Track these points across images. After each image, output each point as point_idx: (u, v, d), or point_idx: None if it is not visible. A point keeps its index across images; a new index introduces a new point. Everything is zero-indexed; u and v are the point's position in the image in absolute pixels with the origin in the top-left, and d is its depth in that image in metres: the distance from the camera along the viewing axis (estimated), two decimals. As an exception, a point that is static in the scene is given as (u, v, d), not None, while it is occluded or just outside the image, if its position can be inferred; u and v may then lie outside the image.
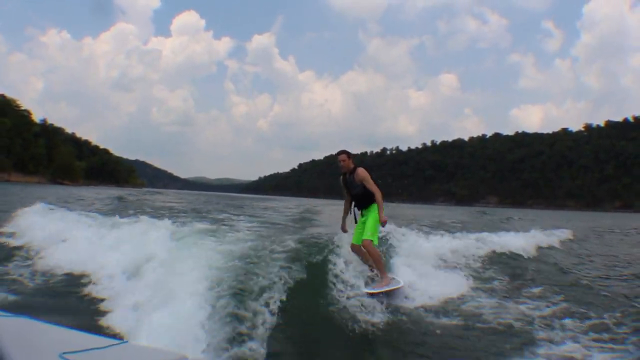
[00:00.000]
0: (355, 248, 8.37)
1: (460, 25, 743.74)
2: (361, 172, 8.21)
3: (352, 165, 8.35)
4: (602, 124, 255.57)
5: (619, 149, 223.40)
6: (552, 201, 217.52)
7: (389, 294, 7.80)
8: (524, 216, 37.31)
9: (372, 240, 8.04)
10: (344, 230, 8.87)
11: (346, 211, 8.83)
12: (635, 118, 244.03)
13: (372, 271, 8.25)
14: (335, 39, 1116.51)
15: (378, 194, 8.12)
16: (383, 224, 8.13)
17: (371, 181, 8.17)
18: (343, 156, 8.30)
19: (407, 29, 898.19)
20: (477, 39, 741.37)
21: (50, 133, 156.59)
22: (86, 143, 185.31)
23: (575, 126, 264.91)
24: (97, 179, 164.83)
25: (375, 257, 8.11)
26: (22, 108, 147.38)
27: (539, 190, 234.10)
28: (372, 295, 7.60)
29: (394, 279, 8.21)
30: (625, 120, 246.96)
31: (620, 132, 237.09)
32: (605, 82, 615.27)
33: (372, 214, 8.13)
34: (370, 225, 8.09)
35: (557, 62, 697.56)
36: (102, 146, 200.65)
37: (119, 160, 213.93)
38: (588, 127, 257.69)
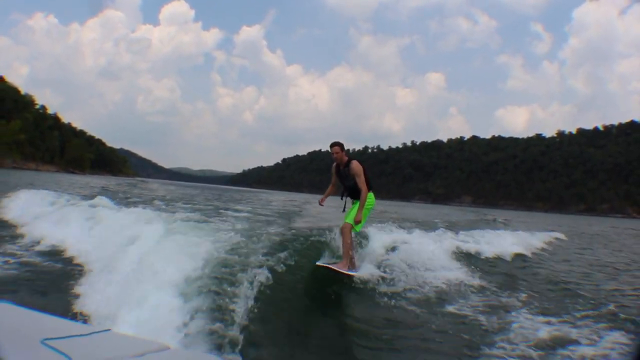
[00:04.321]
0: (342, 227, 8.46)
1: (451, 26, 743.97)
2: (355, 166, 8.33)
3: (345, 158, 8.51)
4: (574, 131, 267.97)
5: (587, 156, 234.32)
6: (522, 202, 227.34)
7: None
8: (493, 214, 36.72)
9: (352, 226, 8.20)
10: (320, 203, 9.16)
11: (328, 193, 9.07)
12: (605, 127, 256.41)
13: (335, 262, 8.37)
14: (326, 36, 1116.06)
15: (364, 193, 8.23)
16: (356, 222, 8.21)
17: (362, 178, 8.30)
18: (336, 148, 8.45)
19: (397, 28, 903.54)
20: (467, 39, 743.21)
21: (62, 126, 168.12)
22: (82, 133, 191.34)
23: (561, 128, 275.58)
24: (97, 169, 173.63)
25: (346, 242, 8.18)
26: (37, 103, 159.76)
27: (510, 192, 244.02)
28: (319, 266, 7.97)
29: (352, 267, 8.30)
30: (596, 129, 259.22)
31: (589, 139, 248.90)
32: (591, 87, 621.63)
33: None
34: (356, 213, 8.28)
35: (544, 65, 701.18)
36: (96, 136, 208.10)
37: (114, 151, 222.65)
38: (560, 134, 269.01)
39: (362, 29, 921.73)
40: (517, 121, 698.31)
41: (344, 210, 8.75)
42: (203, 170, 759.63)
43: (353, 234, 8.50)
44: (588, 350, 5.86)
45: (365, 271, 8.56)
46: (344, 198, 8.84)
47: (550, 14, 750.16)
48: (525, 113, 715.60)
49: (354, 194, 8.57)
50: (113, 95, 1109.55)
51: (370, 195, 8.48)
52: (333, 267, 8.00)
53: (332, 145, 8.56)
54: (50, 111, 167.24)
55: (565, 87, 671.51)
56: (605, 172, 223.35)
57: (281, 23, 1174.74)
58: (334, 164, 8.79)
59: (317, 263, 8.13)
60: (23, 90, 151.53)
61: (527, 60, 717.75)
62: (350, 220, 8.27)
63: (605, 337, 6.31)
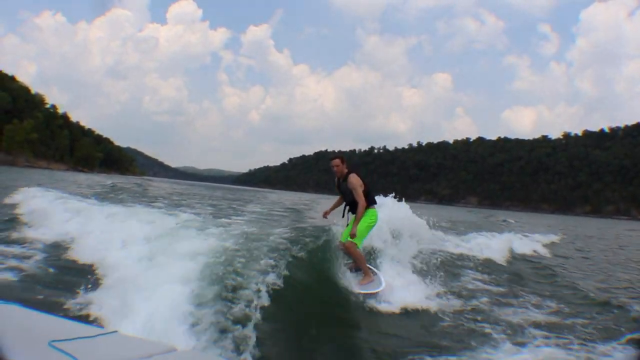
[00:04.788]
0: (341, 246, 8.21)
1: (458, 27, 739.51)
2: (353, 180, 7.97)
3: (345, 171, 8.10)
4: (579, 132, 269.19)
5: (592, 158, 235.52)
6: (527, 204, 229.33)
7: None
8: (501, 216, 39.10)
9: (355, 243, 7.90)
10: (324, 216, 8.98)
11: (336, 205, 8.79)
12: (611, 129, 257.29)
13: (356, 270, 8.31)
14: (333, 35, 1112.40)
15: (361, 206, 7.87)
16: (352, 236, 7.88)
17: (360, 191, 7.92)
18: (336, 161, 8.08)
19: (405, 28, 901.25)
20: (474, 40, 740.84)
21: (71, 125, 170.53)
22: (90, 132, 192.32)
23: (568, 129, 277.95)
24: (105, 167, 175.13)
25: (357, 259, 8.04)
26: (47, 102, 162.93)
27: (515, 193, 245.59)
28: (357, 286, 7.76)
29: (377, 277, 8.13)
30: (602, 131, 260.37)
31: (595, 141, 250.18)
32: (598, 88, 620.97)
33: (364, 219, 7.96)
34: (358, 229, 7.91)
35: (552, 66, 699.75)
36: (104, 135, 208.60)
37: (121, 150, 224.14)
38: (566, 135, 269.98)
39: (370, 29, 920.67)
40: (524, 122, 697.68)
41: (347, 224, 8.42)
42: (209, 170, 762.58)
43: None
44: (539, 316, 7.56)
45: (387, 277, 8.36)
46: (345, 215, 8.54)
47: (558, 15, 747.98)
48: (532, 114, 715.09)
49: (354, 208, 8.16)
50: (120, 94, 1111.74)
51: (373, 212, 8.20)
52: (369, 292, 7.74)
53: (332, 158, 8.24)
54: (60, 110, 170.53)
55: (573, 88, 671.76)
56: (611, 174, 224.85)
57: (288, 23, 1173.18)
58: (336, 178, 8.35)
59: (359, 290, 7.72)
60: (31, 88, 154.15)
61: (534, 61, 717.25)
62: (350, 238, 7.95)
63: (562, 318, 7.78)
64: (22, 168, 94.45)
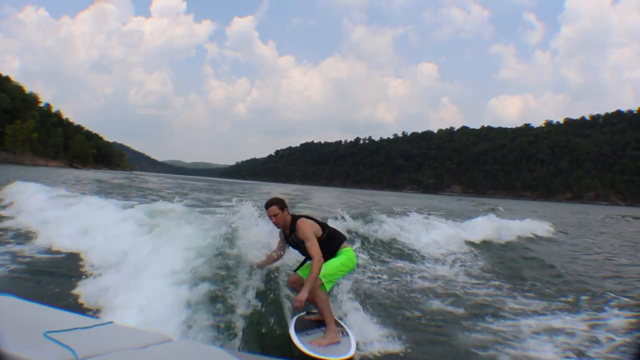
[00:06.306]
0: (295, 282, 6.00)
1: (444, 16, 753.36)
2: (302, 227, 5.79)
3: (288, 218, 5.96)
4: (561, 120, 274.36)
5: (573, 145, 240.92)
6: (510, 191, 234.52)
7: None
8: (489, 203, 38.69)
9: (322, 283, 5.61)
10: (252, 266, 6.40)
11: (269, 260, 6.43)
12: (592, 117, 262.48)
13: (314, 312, 6.01)
14: (319, 26, 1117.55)
15: (317, 262, 5.51)
16: (299, 303, 5.26)
17: (314, 242, 5.67)
18: (272, 209, 5.89)
19: (391, 18, 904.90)
20: (460, 29, 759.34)
21: (65, 123, 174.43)
22: (79, 128, 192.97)
23: (554, 117, 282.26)
24: (96, 163, 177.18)
25: (321, 304, 5.65)
26: (41, 101, 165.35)
27: (498, 181, 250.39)
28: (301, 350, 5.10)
29: (344, 333, 5.59)
30: (582, 118, 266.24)
31: (576, 129, 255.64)
32: (584, 76, 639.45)
33: (339, 257, 5.82)
34: (330, 267, 5.70)
35: (537, 54, 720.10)
36: (94, 131, 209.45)
37: (111, 145, 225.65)
38: (548, 124, 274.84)
39: (356, 19, 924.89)
40: (510, 111, 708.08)
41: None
42: (196, 163, 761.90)
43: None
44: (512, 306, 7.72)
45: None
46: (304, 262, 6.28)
47: (543, 4, 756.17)
48: (518, 102, 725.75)
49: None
50: (105, 88, 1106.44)
51: (349, 251, 5.99)
52: (318, 356, 5.06)
53: (267, 206, 6.01)
54: (53, 109, 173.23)
55: (558, 76, 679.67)
56: (591, 161, 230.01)
57: (274, 14, 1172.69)
58: (280, 230, 6.23)
59: (298, 344, 5.20)
60: (25, 87, 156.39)
61: (520, 50, 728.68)
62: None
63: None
64: (27, 167, 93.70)
